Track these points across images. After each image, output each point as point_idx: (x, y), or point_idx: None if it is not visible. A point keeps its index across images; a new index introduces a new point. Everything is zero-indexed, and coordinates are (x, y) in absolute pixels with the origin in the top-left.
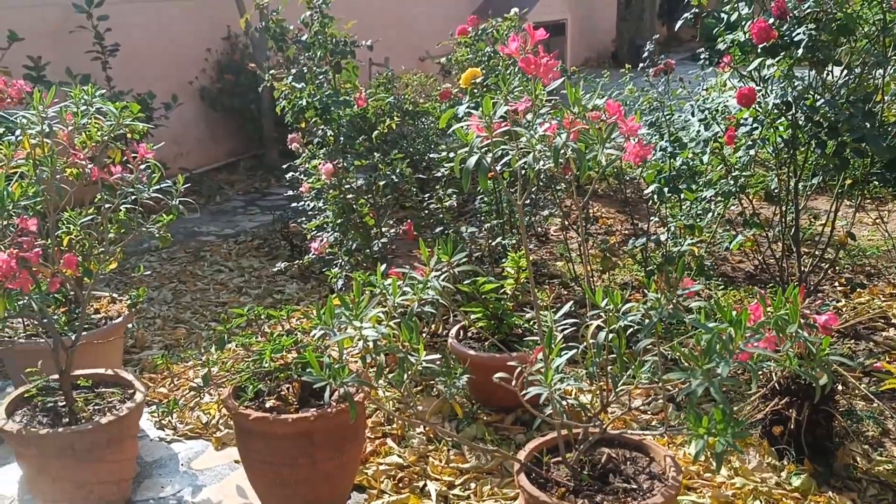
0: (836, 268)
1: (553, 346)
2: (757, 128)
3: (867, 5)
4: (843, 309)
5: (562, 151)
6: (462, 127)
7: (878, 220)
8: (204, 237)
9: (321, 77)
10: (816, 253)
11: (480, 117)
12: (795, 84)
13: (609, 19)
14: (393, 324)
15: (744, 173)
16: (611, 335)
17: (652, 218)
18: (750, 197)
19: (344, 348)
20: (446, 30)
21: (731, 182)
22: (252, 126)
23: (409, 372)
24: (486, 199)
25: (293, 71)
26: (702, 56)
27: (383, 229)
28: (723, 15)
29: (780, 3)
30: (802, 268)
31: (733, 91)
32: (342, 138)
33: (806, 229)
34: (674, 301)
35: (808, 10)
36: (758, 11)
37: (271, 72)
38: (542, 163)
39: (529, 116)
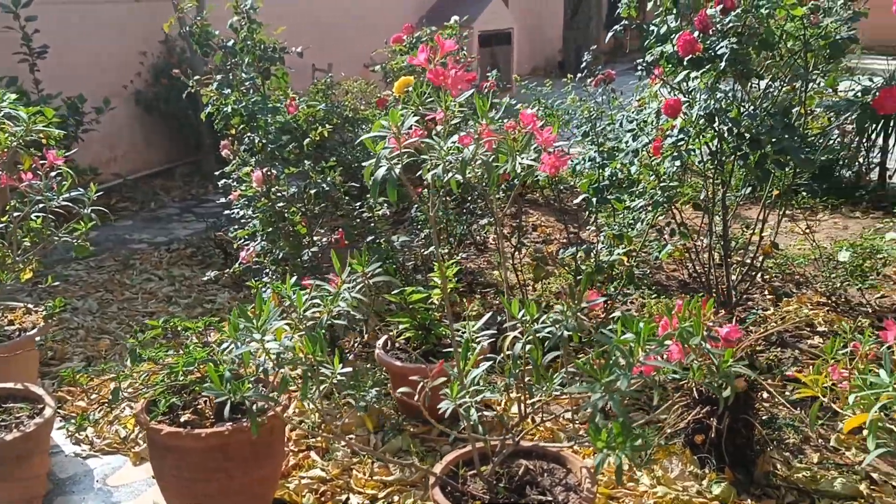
0: (766, 276)
1: (469, 357)
2: (683, 139)
3: (790, 20)
4: (771, 317)
5: (471, 163)
6: (371, 137)
7: (807, 230)
8: (135, 245)
9: (248, 84)
10: (747, 261)
11: (388, 128)
12: (719, 97)
13: (556, 28)
14: (298, 336)
15: (672, 183)
16: (528, 346)
17: (589, 227)
18: (679, 207)
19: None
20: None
21: (660, 192)
22: (189, 131)
23: (319, 386)
24: (422, 207)
25: (219, 77)
26: (639, 67)
27: (315, 238)
28: (653, 27)
29: (702, 17)
30: (731, 277)
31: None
32: (270, 146)
33: (738, 238)
34: (577, 314)
35: (731, 25)
36: (685, 25)
37: (195, 77)
38: (450, 174)
39: (440, 128)
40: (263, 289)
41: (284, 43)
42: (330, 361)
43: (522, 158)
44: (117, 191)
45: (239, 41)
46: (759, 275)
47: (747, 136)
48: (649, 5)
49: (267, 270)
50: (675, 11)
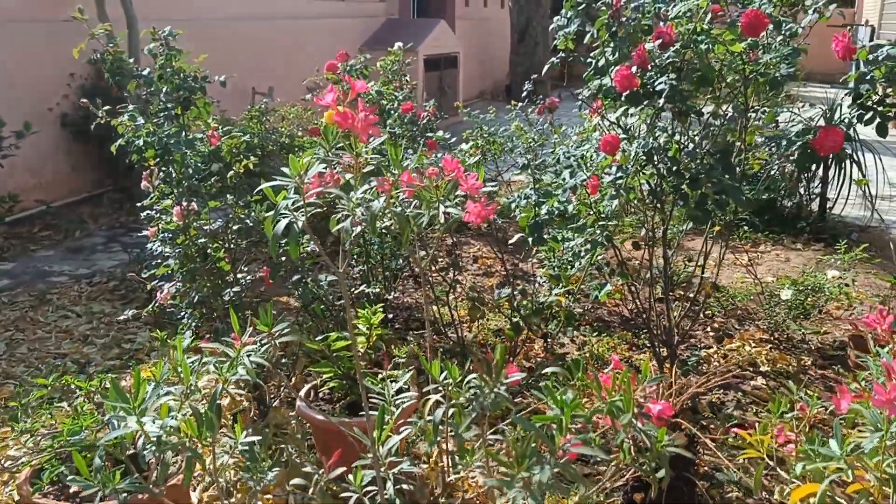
0: (708, 312)
1: (387, 423)
2: (621, 177)
3: (731, 56)
4: (713, 355)
5: (382, 216)
6: (271, 187)
7: (749, 265)
8: (55, 278)
9: (164, 115)
10: (689, 296)
11: (290, 176)
12: (657, 134)
13: (504, 53)
14: (183, 416)
15: (610, 222)
16: (451, 410)
17: (530, 258)
18: (619, 245)
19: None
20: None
21: (598, 231)
22: (120, 156)
23: (216, 462)
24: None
25: (131, 107)
26: (580, 98)
27: (239, 276)
28: (591, 60)
29: (640, 52)
30: (672, 314)
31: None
32: (185, 181)
33: (679, 272)
34: (495, 389)
35: (670, 60)
36: (624, 58)
37: (105, 108)
38: (359, 228)
39: (349, 176)
40: (183, 331)
41: (206, 71)
42: (231, 431)
43: (446, 206)
44: (41, 218)
45: (156, 69)
46: (701, 311)
47: (686, 175)
48: (587, 38)
49: (184, 314)
50: (612, 45)
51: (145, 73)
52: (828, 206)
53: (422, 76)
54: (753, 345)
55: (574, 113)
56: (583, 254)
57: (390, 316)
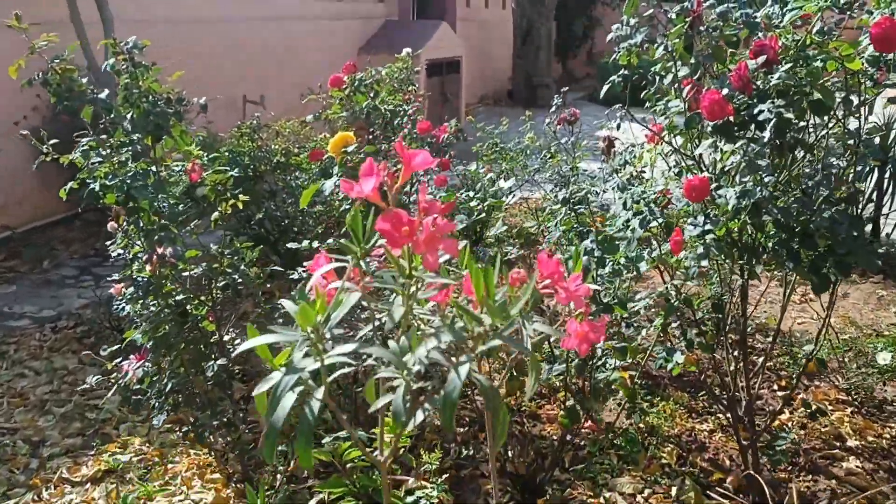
0: (770, 364)
1: None
2: (710, 230)
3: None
4: (787, 423)
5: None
6: (265, 343)
7: (825, 317)
8: (14, 322)
9: (129, 149)
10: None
11: (303, 329)
12: (764, 178)
13: (505, 56)
14: None
15: (690, 281)
16: None
17: None
18: (694, 309)
19: None
20: (334, 64)
21: (674, 294)
22: None
23: None
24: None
25: (85, 140)
26: (617, 116)
27: (226, 338)
28: (656, 75)
29: (741, 71)
30: (750, 384)
31: (667, 170)
32: (155, 233)
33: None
34: None
35: (779, 81)
36: (703, 77)
37: (52, 141)
38: (420, 410)
39: (399, 321)
40: (157, 414)
41: (183, 91)
42: None
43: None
44: (5, 245)
45: (120, 91)
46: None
47: (796, 228)
48: (656, 51)
49: (154, 402)
50: (692, 61)
51: (103, 95)
52: (883, 232)
53: (423, 82)
54: (830, 407)
55: (584, 115)
56: (651, 319)
57: None
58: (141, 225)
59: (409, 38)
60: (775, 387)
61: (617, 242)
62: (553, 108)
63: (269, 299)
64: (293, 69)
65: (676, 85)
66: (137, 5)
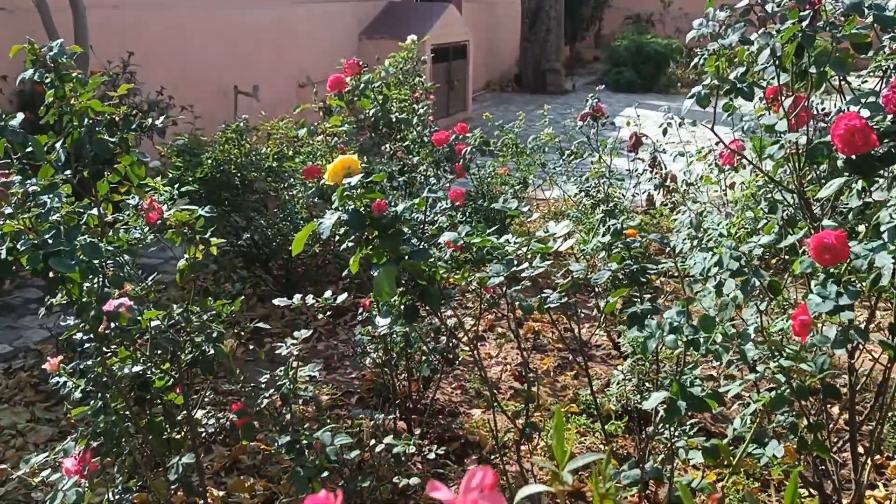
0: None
1: None
2: (848, 305)
3: None
4: None
5: None
6: None
7: None
8: None
9: (51, 196)
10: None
11: None
12: None
13: (513, 39)
14: None
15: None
16: None
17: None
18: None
19: None
20: (333, 50)
21: (784, 382)
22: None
23: None
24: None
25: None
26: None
27: (196, 415)
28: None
29: None
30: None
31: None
32: (95, 301)
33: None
34: None
35: None
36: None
37: None
38: None
39: None
40: None
41: (136, 113)
42: None
43: None
44: None
45: (42, 113)
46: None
47: None
48: (760, 56)
49: None
50: (811, 69)
51: (15, 122)
52: None
53: (429, 69)
54: None
55: (594, 100)
56: (748, 410)
57: (416, 432)
58: (73, 299)
59: (414, 22)
60: (868, 458)
61: (713, 320)
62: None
63: (257, 335)
64: (289, 56)
65: (761, 94)
66: None
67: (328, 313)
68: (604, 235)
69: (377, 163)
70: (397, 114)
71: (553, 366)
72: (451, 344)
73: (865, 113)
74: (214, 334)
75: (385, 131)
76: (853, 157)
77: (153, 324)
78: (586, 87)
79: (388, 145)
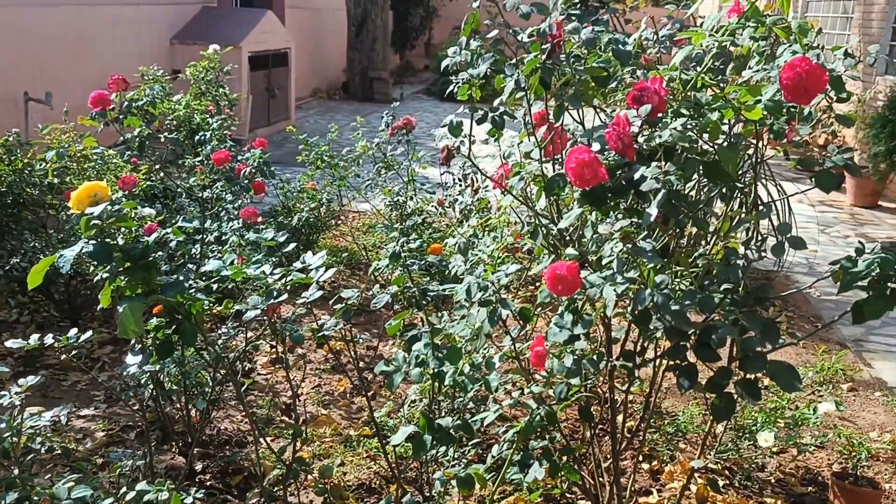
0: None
1: None
2: (577, 336)
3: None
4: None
5: None
6: None
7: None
8: None
9: None
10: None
11: None
12: (645, 262)
13: (341, 47)
14: None
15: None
16: None
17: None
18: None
19: None
20: (140, 56)
21: (535, 408)
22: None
23: None
24: None
25: None
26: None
27: None
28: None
29: (621, 123)
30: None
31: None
32: None
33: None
34: None
35: (667, 139)
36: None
37: None
38: None
39: None
40: None
41: None
42: None
43: None
44: None
45: None
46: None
47: (690, 334)
48: (506, 88)
49: None
50: (552, 102)
51: None
52: None
53: (246, 77)
54: (700, 479)
55: (421, 110)
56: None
57: (198, 467)
58: None
59: (229, 28)
60: (640, 458)
61: (460, 346)
62: (384, 120)
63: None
64: (90, 62)
65: (528, 118)
66: None
67: (72, 352)
68: (392, 255)
69: (177, 176)
70: (178, 133)
71: (350, 387)
72: (236, 369)
73: (596, 147)
74: None
75: (188, 143)
76: (585, 189)
77: None
78: (415, 95)
79: (188, 159)
